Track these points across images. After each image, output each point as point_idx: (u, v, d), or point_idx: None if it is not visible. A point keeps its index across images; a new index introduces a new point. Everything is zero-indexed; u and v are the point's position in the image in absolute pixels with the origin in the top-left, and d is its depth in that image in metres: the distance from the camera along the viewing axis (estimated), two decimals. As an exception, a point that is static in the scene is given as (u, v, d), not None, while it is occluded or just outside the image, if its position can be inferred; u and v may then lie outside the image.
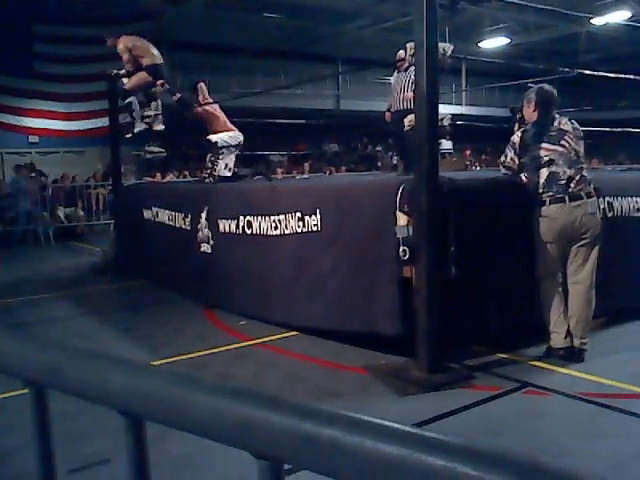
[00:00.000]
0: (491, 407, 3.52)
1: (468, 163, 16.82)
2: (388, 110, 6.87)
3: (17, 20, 13.28)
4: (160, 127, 7.92)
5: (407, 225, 3.96)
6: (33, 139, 15.20)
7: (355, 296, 4.42)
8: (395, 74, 6.89)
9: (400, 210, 4.01)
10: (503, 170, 4.41)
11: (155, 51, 7.65)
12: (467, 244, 4.11)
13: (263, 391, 0.71)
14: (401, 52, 6.70)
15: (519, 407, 3.55)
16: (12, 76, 13.32)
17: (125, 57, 7.56)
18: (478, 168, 16.20)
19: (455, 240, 4.00)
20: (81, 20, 13.78)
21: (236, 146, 7.44)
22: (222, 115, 7.50)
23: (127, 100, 7.74)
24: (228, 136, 7.34)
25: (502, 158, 4.41)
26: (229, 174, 7.29)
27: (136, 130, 7.78)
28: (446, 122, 6.28)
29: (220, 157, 7.26)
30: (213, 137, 7.26)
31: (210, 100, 7.58)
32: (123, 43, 7.57)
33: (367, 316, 4.30)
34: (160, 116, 7.92)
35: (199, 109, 7.40)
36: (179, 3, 14.17)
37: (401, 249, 3.95)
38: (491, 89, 20.05)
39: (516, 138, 4.29)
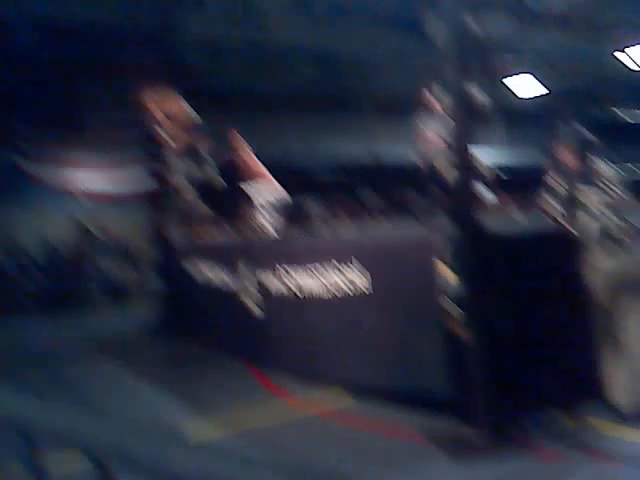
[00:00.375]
0: (556, 474, 3.33)
1: (510, 210, 16.59)
2: (421, 157, 6.72)
3: (58, 78, 13.80)
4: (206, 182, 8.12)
5: (453, 280, 3.88)
6: (83, 198, 15.60)
7: (405, 355, 4.31)
8: (423, 118, 6.67)
9: (445, 264, 3.94)
10: (546, 218, 4.33)
11: (189, 108, 7.93)
12: (517, 297, 3.96)
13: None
14: (426, 94, 6.45)
15: (586, 476, 3.34)
16: (60, 140, 13.82)
17: (158, 113, 7.86)
18: (520, 215, 15.96)
19: (504, 293, 3.88)
20: (120, 79, 14.24)
21: (275, 199, 7.50)
22: (260, 167, 7.64)
23: (174, 163, 8.00)
24: (266, 189, 7.43)
25: (544, 205, 4.33)
26: (269, 227, 7.35)
27: (185, 192, 8.00)
28: (486, 172, 6.25)
29: (260, 210, 7.36)
30: (253, 192, 7.37)
31: (245, 149, 7.73)
32: (156, 100, 7.93)
33: (418, 376, 4.19)
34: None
35: (241, 164, 7.56)
36: (215, 59, 14.57)
37: (448, 305, 3.86)
38: (529, 135, 19.93)
39: (557, 184, 4.23)
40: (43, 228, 15.04)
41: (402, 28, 13.26)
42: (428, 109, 6.49)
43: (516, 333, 3.86)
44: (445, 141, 6.11)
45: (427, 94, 6.59)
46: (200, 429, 4.31)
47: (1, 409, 1.73)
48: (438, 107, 6.17)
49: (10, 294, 11.97)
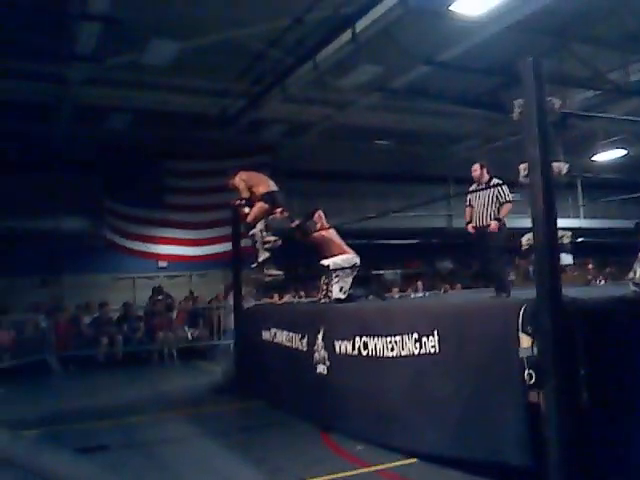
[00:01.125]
0: None
1: (590, 277, 16.11)
2: (469, 223, 6.82)
3: (149, 158, 14.67)
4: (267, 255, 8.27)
5: (531, 347, 3.81)
6: (162, 264, 16.26)
7: (478, 422, 4.21)
8: (474, 187, 6.93)
9: (523, 331, 3.87)
10: (632, 287, 4.21)
11: (270, 182, 8.18)
12: (598, 366, 3.85)
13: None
14: (476, 166, 6.82)
15: None
16: (143, 207, 14.56)
17: (241, 187, 8.14)
18: (602, 282, 15.45)
19: (585, 363, 3.77)
20: (205, 155, 15.01)
21: (351, 268, 7.60)
22: (338, 239, 7.78)
23: (251, 232, 8.20)
24: (342, 259, 7.55)
25: (631, 274, 4.22)
26: (343, 297, 7.41)
27: (260, 259, 8.18)
28: (566, 240, 6.14)
29: (334, 280, 7.44)
30: (326, 261, 7.48)
31: (327, 226, 7.88)
32: (239, 177, 8.20)
33: (492, 444, 4.07)
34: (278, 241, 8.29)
35: (316, 234, 7.71)
36: (295, 136, 15.11)
37: (526, 372, 3.78)
38: (608, 201, 19.46)
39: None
40: (126, 292, 15.71)
41: (483, 105, 13.44)
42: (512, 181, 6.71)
43: (596, 401, 3.70)
44: (490, 207, 6.42)
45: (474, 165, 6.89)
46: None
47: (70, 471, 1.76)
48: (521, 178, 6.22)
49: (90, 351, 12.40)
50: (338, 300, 7.30)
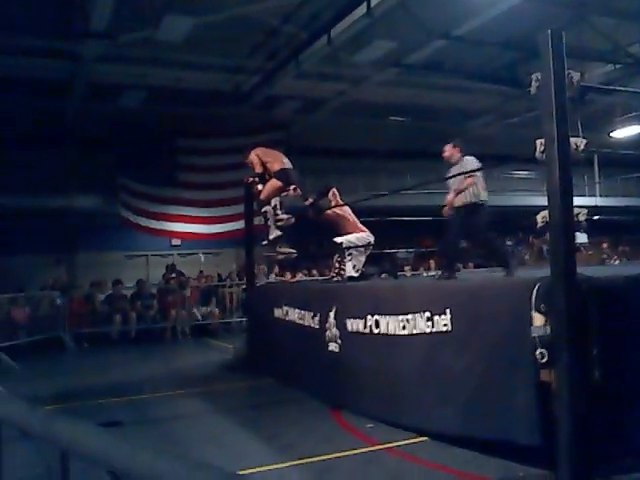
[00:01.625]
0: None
1: (605, 256, 15.96)
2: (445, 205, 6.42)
3: (162, 135, 14.65)
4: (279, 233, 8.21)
5: (544, 326, 3.75)
6: (175, 242, 16.31)
7: (489, 401, 4.17)
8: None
9: (536, 310, 3.81)
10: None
11: (284, 159, 8.08)
12: (611, 346, 3.80)
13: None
14: (447, 146, 6.48)
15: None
16: (157, 185, 14.56)
17: (255, 161, 8.06)
18: (617, 262, 15.29)
19: (598, 342, 3.72)
20: (218, 133, 14.95)
21: (365, 247, 7.55)
22: (352, 217, 7.71)
23: (263, 209, 8.14)
24: (355, 237, 7.49)
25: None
26: (357, 275, 7.37)
27: (271, 237, 8.12)
28: (582, 217, 6.01)
29: (347, 258, 7.39)
30: (339, 239, 7.43)
31: (341, 203, 7.82)
32: (254, 152, 8.11)
33: (502, 422, 4.04)
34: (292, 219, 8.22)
35: (330, 212, 7.65)
36: (309, 113, 15.01)
37: (538, 351, 3.72)
38: (626, 179, 19.19)
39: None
40: (140, 269, 15.79)
41: (500, 80, 13.21)
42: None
43: (608, 381, 3.65)
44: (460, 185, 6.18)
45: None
46: (267, 461, 4.42)
47: (90, 447, 1.74)
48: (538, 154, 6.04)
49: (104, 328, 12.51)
50: (351, 278, 7.26)
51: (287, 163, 8.08)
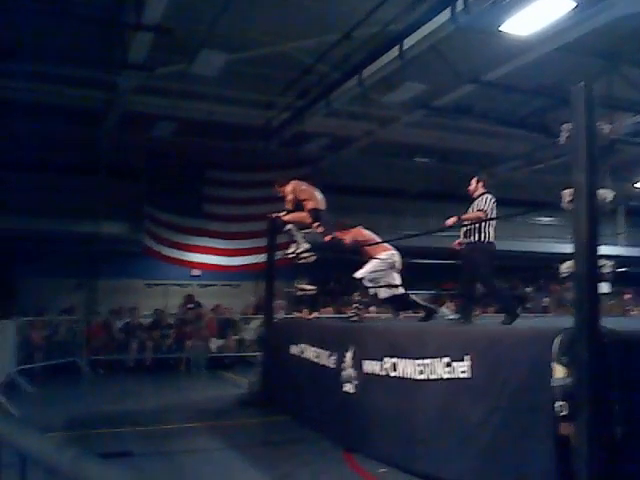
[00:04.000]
0: None
1: (628, 307, 15.65)
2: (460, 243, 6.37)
3: (191, 166, 14.83)
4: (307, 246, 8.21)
5: (565, 378, 3.66)
6: (195, 272, 16.36)
7: (506, 451, 4.07)
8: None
9: (557, 361, 3.72)
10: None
11: (319, 196, 8.13)
12: (634, 401, 3.69)
13: None
14: (472, 180, 6.50)
15: None
16: (182, 215, 14.67)
17: (289, 198, 8.10)
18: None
19: (620, 396, 3.61)
20: (246, 166, 15.09)
21: (391, 265, 7.36)
22: (376, 238, 7.61)
23: (286, 228, 8.18)
24: (374, 265, 7.29)
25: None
26: (387, 293, 7.20)
27: (300, 250, 8.11)
28: (607, 269, 5.90)
29: (372, 291, 7.23)
30: (358, 273, 7.30)
31: (351, 232, 7.72)
32: (292, 186, 8.15)
33: (519, 473, 3.93)
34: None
35: (349, 240, 7.59)
36: (337, 150, 15.09)
37: (558, 404, 3.63)
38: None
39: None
40: (159, 298, 15.86)
41: (528, 126, 13.22)
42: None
43: (630, 438, 3.54)
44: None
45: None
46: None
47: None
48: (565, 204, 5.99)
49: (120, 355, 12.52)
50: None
51: (321, 202, 8.12)
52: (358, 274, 7.31)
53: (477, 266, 6.01)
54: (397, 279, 7.41)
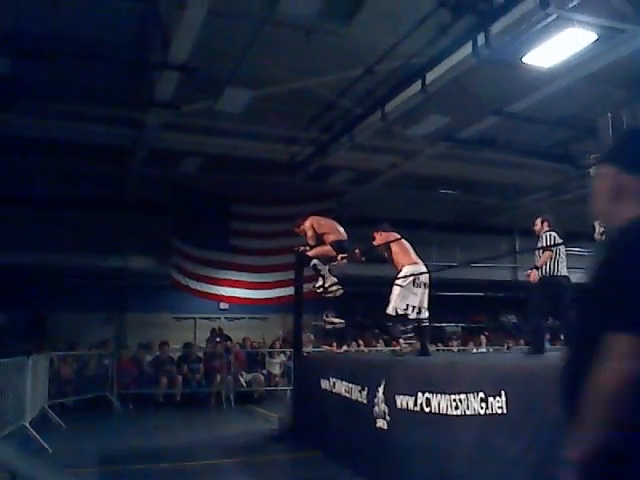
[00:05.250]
0: None
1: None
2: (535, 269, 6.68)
3: (217, 201, 15.02)
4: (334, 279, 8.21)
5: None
6: (223, 305, 16.44)
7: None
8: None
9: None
10: None
11: (340, 229, 8.17)
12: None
13: None
14: (537, 220, 6.96)
15: None
16: (210, 249, 14.83)
17: (309, 234, 8.15)
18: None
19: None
20: (272, 200, 15.25)
21: (417, 281, 7.13)
22: (403, 248, 7.48)
23: (312, 263, 8.22)
24: (401, 282, 7.08)
25: None
26: (413, 314, 7.03)
27: (327, 284, 8.12)
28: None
29: (399, 297, 7.05)
30: (389, 309, 7.05)
31: (391, 238, 7.64)
32: (310, 221, 8.21)
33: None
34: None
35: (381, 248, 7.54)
36: (361, 183, 15.20)
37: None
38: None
39: None
40: (188, 332, 15.95)
41: (553, 157, 13.21)
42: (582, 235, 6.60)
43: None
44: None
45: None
46: None
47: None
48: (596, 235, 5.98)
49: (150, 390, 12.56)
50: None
51: (342, 233, 8.17)
52: (389, 310, 7.07)
53: (551, 298, 6.39)
54: (419, 300, 7.11)
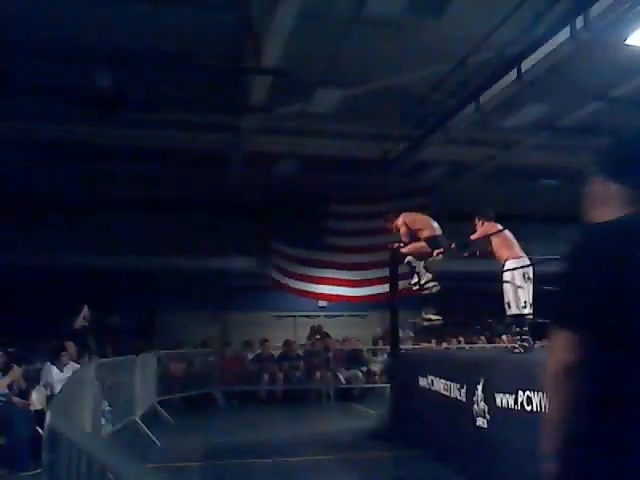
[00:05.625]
0: None
1: None
2: None
3: (313, 201, 15.21)
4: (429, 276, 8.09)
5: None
6: (322, 303, 16.64)
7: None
8: None
9: None
10: None
11: (434, 224, 8.06)
12: None
13: None
14: None
15: None
16: (307, 249, 15.07)
17: (402, 230, 8.09)
18: None
19: None
20: (366, 198, 15.25)
21: (526, 275, 6.86)
22: (507, 240, 7.17)
23: (406, 260, 8.16)
24: (512, 295, 6.77)
25: None
26: (527, 310, 6.72)
27: (423, 281, 8.05)
28: None
29: (516, 295, 6.78)
30: (511, 311, 6.72)
31: (492, 230, 7.37)
32: (402, 218, 8.16)
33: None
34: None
35: (482, 240, 7.30)
36: (457, 177, 14.91)
37: None
38: None
39: None
40: (288, 330, 16.26)
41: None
42: None
43: None
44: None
45: None
46: None
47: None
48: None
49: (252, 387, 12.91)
50: (507, 347, 6.74)
51: (437, 228, 8.06)
52: (513, 311, 6.74)
53: None
54: (529, 294, 6.79)
